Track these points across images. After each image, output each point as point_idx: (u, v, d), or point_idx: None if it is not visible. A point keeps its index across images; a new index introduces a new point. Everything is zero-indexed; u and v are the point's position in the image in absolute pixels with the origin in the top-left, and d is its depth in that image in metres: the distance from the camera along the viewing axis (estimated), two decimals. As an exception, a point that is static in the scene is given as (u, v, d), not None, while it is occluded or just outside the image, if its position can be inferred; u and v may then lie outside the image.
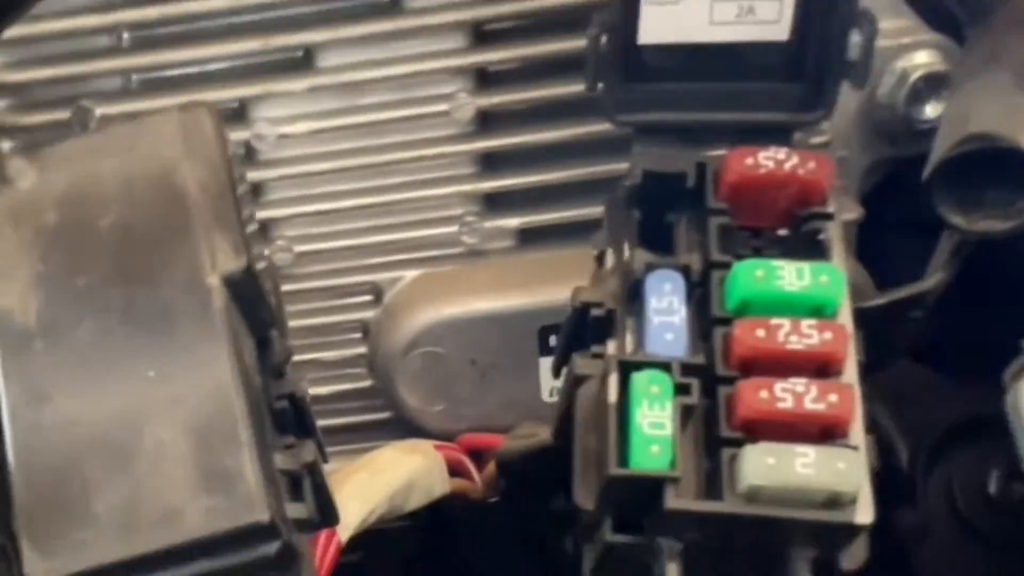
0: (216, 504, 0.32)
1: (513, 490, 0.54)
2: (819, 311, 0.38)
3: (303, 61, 0.54)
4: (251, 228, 0.37)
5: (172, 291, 0.35)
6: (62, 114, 0.53)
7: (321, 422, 0.59)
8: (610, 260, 0.42)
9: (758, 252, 0.41)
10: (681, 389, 0.36)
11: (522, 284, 0.55)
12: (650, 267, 0.39)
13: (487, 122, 0.56)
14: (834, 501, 0.35)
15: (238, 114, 0.54)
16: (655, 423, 0.35)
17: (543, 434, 0.54)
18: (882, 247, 0.57)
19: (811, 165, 0.40)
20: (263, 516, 0.32)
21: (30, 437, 0.33)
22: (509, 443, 0.53)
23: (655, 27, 0.45)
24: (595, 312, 0.41)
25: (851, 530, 0.35)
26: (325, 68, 0.54)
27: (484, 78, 0.55)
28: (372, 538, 0.51)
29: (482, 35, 0.54)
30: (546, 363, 0.56)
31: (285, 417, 0.39)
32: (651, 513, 0.36)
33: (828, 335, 0.36)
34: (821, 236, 0.40)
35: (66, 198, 0.36)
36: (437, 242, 0.57)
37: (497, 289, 0.55)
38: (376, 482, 0.49)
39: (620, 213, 0.42)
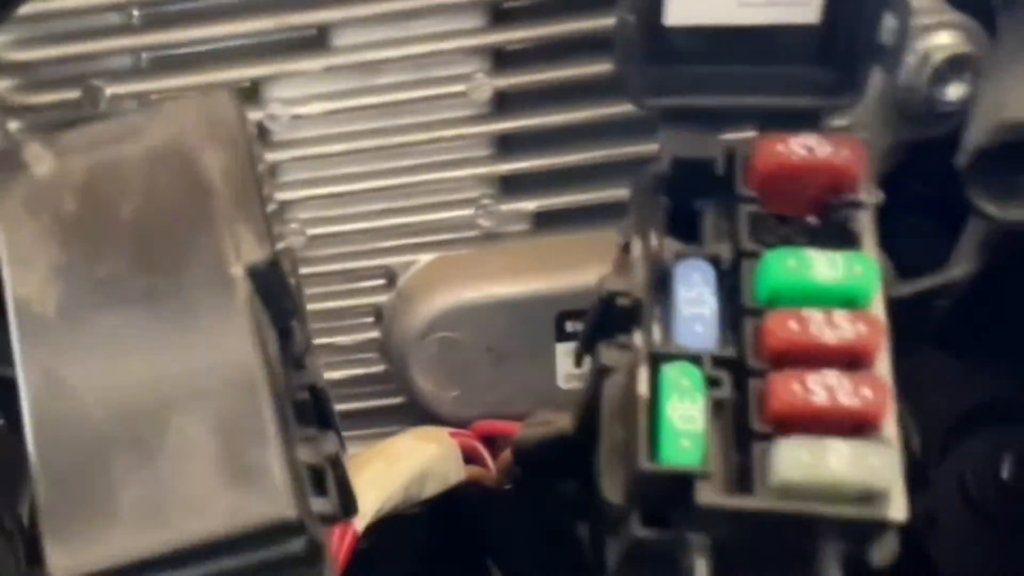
0: (242, 500, 0.32)
1: (529, 478, 0.54)
2: (851, 302, 0.37)
3: (317, 40, 0.53)
4: (271, 209, 0.37)
5: (195, 282, 0.34)
6: (71, 94, 0.52)
7: (335, 406, 0.59)
8: (636, 248, 0.41)
9: (787, 240, 0.40)
10: (712, 382, 0.36)
11: (539, 269, 0.55)
12: (679, 256, 0.39)
13: (504, 103, 0.55)
14: (867, 496, 0.35)
15: (251, 94, 0.54)
16: (686, 417, 0.35)
17: (560, 422, 0.53)
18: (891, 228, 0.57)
19: (844, 152, 0.39)
20: (290, 512, 0.32)
21: (51, 430, 0.33)
22: (526, 431, 0.53)
23: (682, 8, 0.44)
24: (621, 301, 0.40)
25: (884, 526, 0.35)
26: (340, 47, 0.53)
27: (501, 58, 0.54)
28: (385, 525, 0.51)
29: (500, 14, 0.54)
30: (562, 349, 0.55)
31: (306, 408, 0.38)
32: (680, 508, 0.35)
33: (862, 327, 0.36)
34: (852, 224, 0.40)
35: (85, 185, 0.35)
36: (452, 225, 0.56)
37: (513, 274, 0.55)
38: (392, 471, 0.49)
39: (646, 199, 0.42)
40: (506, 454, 0.54)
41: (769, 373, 0.36)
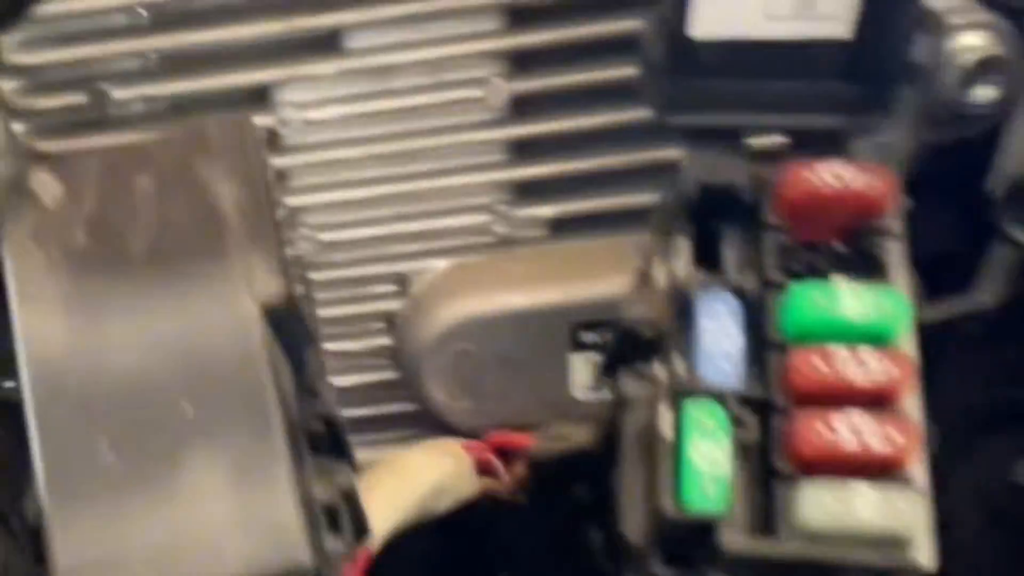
0: (257, 546, 0.31)
1: (543, 491, 0.53)
2: (880, 338, 0.37)
3: (330, 42, 0.52)
4: (283, 218, 0.36)
5: (210, 320, 0.34)
6: (77, 97, 0.51)
7: (344, 412, 0.58)
8: (659, 273, 0.41)
9: (813, 268, 0.40)
10: (737, 422, 0.35)
11: (554, 278, 0.54)
12: (703, 286, 0.38)
13: (520, 107, 0.54)
14: (894, 542, 0.34)
15: (261, 98, 0.53)
16: (710, 459, 0.35)
17: (576, 436, 0.53)
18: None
19: (874, 180, 0.39)
20: (305, 560, 0.32)
21: (63, 469, 0.33)
22: (541, 445, 0.53)
23: (708, 20, 0.43)
24: (643, 330, 0.40)
25: (912, 574, 0.34)
26: (354, 50, 0.52)
27: (519, 62, 0.53)
28: (396, 537, 0.51)
29: (517, 16, 0.53)
30: (577, 359, 0.55)
31: (320, 438, 0.38)
32: (703, 549, 0.35)
33: (891, 368, 0.35)
34: (881, 253, 0.39)
35: (95, 215, 0.35)
36: (466, 231, 0.56)
37: (528, 284, 0.54)
38: (406, 488, 0.49)
39: (669, 222, 0.41)
40: (521, 467, 0.54)
41: (794, 412, 0.35)
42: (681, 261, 0.39)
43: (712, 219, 0.40)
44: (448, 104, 0.54)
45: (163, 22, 0.51)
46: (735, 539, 0.34)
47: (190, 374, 0.33)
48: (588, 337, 0.54)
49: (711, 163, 0.40)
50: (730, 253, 0.40)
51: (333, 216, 0.55)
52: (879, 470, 0.35)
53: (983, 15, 0.55)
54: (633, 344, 0.41)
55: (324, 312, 0.57)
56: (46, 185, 0.35)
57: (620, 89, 0.53)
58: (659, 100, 0.43)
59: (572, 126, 0.54)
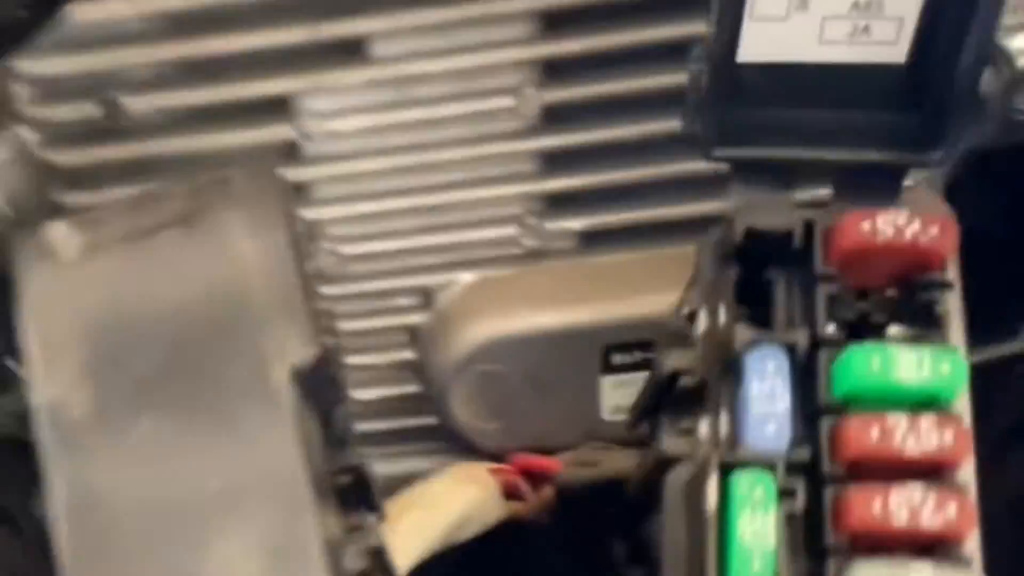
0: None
1: (570, 516, 0.53)
2: (935, 400, 0.36)
3: (355, 50, 0.51)
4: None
5: (236, 387, 0.33)
6: (89, 107, 0.50)
7: (366, 426, 0.58)
8: (702, 321, 0.40)
9: (865, 318, 0.38)
10: (785, 493, 0.34)
11: (585, 296, 0.53)
12: (752, 344, 0.37)
13: (552, 117, 0.52)
14: (950, 624, 0.33)
15: (282, 108, 0.51)
16: (757, 533, 0.34)
17: (606, 462, 0.52)
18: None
19: (933, 232, 0.37)
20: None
21: (84, 548, 0.32)
22: (570, 472, 0.52)
23: (758, 44, 0.41)
24: (684, 381, 0.39)
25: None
26: (379, 58, 0.51)
27: (552, 70, 0.52)
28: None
29: (550, 23, 0.51)
30: (608, 381, 0.54)
31: (348, 491, 0.37)
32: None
33: (948, 437, 0.34)
34: (937, 306, 0.38)
35: (116, 274, 0.34)
36: (494, 244, 0.54)
37: (558, 302, 0.53)
38: (432, 519, 0.48)
39: (714, 267, 0.40)
40: (548, 491, 0.53)
41: (846, 483, 0.34)
42: (727, 309, 0.38)
43: (760, 262, 0.39)
44: (477, 114, 0.52)
45: (179, 30, 0.49)
46: (783, 619, 0.33)
47: (216, 444, 0.32)
48: (619, 359, 0.53)
49: (759, 205, 0.39)
50: (779, 300, 0.38)
51: (355, 228, 0.54)
52: (932, 546, 0.34)
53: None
54: (671, 393, 0.40)
55: (346, 325, 0.56)
56: (66, 242, 0.34)
57: (655, 98, 0.52)
58: (705, 132, 0.41)
59: (606, 137, 0.53)
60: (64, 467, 0.32)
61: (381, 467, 0.58)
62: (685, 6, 0.50)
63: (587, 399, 0.54)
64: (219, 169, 0.34)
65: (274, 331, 0.33)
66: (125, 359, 0.33)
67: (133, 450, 0.32)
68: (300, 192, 0.53)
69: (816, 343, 0.37)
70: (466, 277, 0.55)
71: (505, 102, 0.52)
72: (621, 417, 0.54)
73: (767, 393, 0.36)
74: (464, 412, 0.54)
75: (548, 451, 0.54)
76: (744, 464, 0.35)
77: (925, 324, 0.38)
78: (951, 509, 0.34)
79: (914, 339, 0.38)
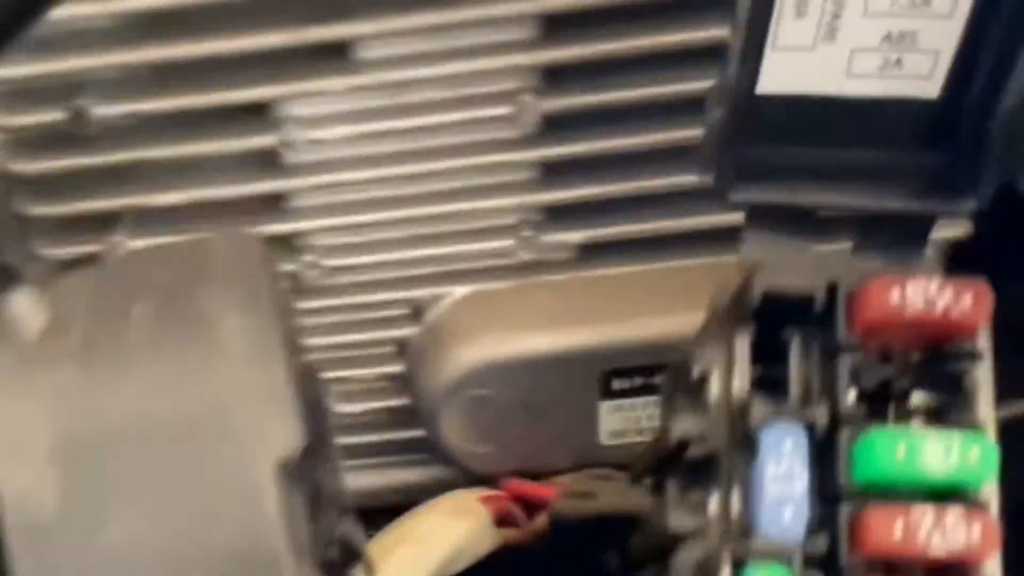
0: None
1: (565, 547, 0.52)
2: (962, 488, 0.34)
3: (340, 53, 0.48)
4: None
5: (215, 483, 0.31)
6: (55, 113, 0.47)
7: (352, 440, 0.56)
8: (715, 383, 0.38)
9: (887, 387, 0.37)
10: (801, 586, 0.33)
11: (583, 317, 0.51)
12: (769, 419, 0.35)
13: (551, 125, 0.50)
14: None
15: (262, 114, 0.48)
16: (772, 632, 0.32)
17: (602, 493, 0.51)
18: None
19: (966, 302, 0.35)
20: None
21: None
22: (565, 503, 0.51)
23: (780, 76, 0.39)
24: (695, 451, 0.37)
25: None
26: (367, 63, 0.48)
27: (552, 76, 0.49)
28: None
29: (551, 26, 0.48)
30: (606, 406, 0.52)
31: (335, 565, 0.36)
32: None
33: (975, 534, 0.33)
34: (965, 377, 0.36)
35: (84, 350, 0.31)
36: (488, 256, 0.52)
37: (555, 323, 0.51)
38: (424, 554, 0.47)
39: (727, 324, 0.38)
40: (542, 520, 0.52)
41: (866, 577, 0.33)
42: (742, 377, 0.36)
43: (777, 322, 0.37)
44: (472, 122, 0.49)
45: (151, 31, 0.46)
46: None
47: (195, 543, 0.30)
48: (619, 384, 0.51)
49: (778, 263, 0.37)
50: (797, 368, 0.37)
51: (340, 239, 0.51)
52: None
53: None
54: (679, 458, 0.38)
55: (331, 339, 0.54)
56: (29, 315, 0.32)
57: (659, 107, 0.49)
58: (721, 172, 0.39)
59: (609, 147, 0.50)
60: (31, 568, 0.30)
61: (369, 479, 0.57)
62: (690, 13, 0.47)
63: (584, 424, 0.52)
64: (195, 232, 0.32)
65: (256, 419, 0.31)
66: (96, 448, 0.31)
67: (106, 548, 0.30)
68: (282, 201, 0.50)
69: (836, 419, 0.35)
70: (459, 290, 0.53)
71: (502, 110, 0.49)
72: (619, 441, 0.53)
73: (784, 474, 0.35)
74: (455, 436, 0.52)
75: (543, 474, 0.53)
76: (759, 555, 0.33)
77: (951, 393, 0.36)
78: (976, 609, 0.32)
79: (939, 410, 0.36)
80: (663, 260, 0.52)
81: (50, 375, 0.31)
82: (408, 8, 0.46)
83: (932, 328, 0.36)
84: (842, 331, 0.36)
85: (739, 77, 0.38)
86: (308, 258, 0.51)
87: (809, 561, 0.34)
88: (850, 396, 0.36)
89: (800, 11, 0.38)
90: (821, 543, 0.34)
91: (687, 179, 0.51)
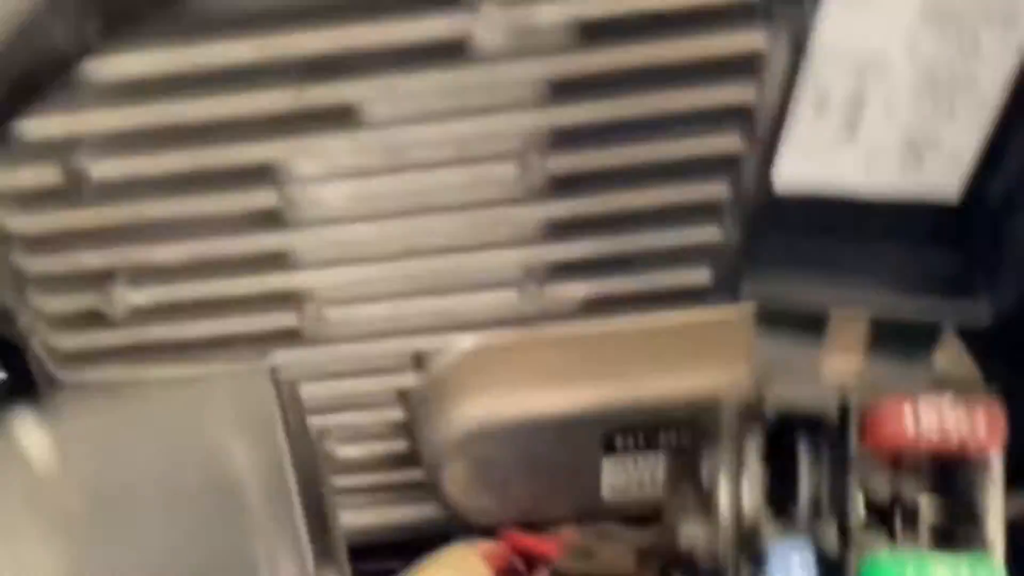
0: None
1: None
2: (969, 610, 0.35)
3: (344, 113, 0.47)
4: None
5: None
6: (51, 174, 0.46)
7: (352, 481, 0.56)
8: (723, 492, 0.38)
9: (899, 496, 0.37)
10: None
11: (587, 375, 0.51)
12: (778, 536, 0.36)
13: (557, 184, 0.49)
14: None
15: (265, 172, 0.48)
16: None
17: (603, 553, 0.51)
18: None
19: (980, 427, 0.35)
20: None
21: None
22: (566, 563, 0.51)
23: (798, 173, 0.39)
24: (702, 556, 0.38)
25: None
26: (371, 121, 0.47)
27: (558, 136, 0.48)
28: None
29: (557, 88, 0.47)
30: (609, 461, 0.52)
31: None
32: None
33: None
34: (975, 497, 0.36)
35: (94, 482, 0.32)
36: (490, 309, 0.52)
37: (559, 382, 0.51)
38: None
39: (737, 434, 0.38)
40: (543, 574, 0.52)
41: None
42: (752, 493, 0.37)
43: (788, 432, 0.37)
44: (477, 181, 0.49)
45: (151, 90, 0.45)
46: None
47: None
48: (622, 442, 0.52)
49: (789, 378, 0.37)
50: (807, 481, 0.37)
51: (342, 292, 0.51)
52: None
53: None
54: (686, 563, 0.39)
55: (332, 387, 0.54)
56: (38, 447, 0.31)
57: (666, 167, 0.49)
58: (732, 268, 0.39)
59: (615, 205, 0.50)
60: None
61: (370, 517, 0.58)
62: (696, 75, 0.46)
63: (586, 479, 0.53)
64: (204, 362, 0.32)
65: (268, 551, 0.31)
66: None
67: None
68: (282, 255, 0.50)
69: (845, 533, 0.36)
70: (461, 340, 0.53)
71: (508, 169, 0.49)
72: (621, 497, 0.54)
73: (791, 595, 0.35)
74: (456, 488, 0.53)
75: (544, 525, 0.53)
76: None
77: (960, 507, 0.37)
78: None
79: (947, 525, 0.37)
80: (667, 313, 0.52)
81: (57, 504, 0.31)
82: (413, 68, 0.46)
83: (946, 452, 0.36)
84: (853, 450, 0.36)
85: (757, 174, 0.38)
86: (310, 309, 0.51)
87: None
88: (859, 507, 0.36)
89: (820, 110, 0.38)
90: (828, 667, 0.34)
91: (691, 236, 0.50)
